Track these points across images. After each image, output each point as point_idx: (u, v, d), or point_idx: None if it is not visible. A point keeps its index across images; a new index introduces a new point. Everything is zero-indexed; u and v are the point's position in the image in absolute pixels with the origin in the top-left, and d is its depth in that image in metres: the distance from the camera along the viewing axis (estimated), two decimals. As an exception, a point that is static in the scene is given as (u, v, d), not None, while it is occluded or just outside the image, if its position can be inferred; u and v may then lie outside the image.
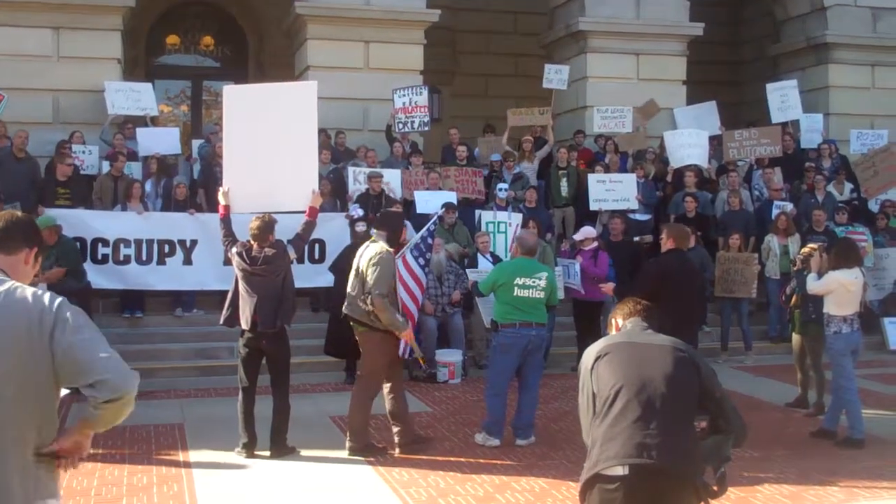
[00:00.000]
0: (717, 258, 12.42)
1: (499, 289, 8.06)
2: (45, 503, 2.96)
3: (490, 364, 8.42)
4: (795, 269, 9.67)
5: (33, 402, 2.91)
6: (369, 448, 7.67)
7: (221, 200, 7.97)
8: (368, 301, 7.48)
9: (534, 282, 7.98)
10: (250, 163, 7.94)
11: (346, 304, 7.77)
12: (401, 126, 14.02)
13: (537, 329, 8.03)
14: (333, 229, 11.80)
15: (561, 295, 11.46)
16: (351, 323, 7.80)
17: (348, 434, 7.73)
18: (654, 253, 10.74)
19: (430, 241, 8.70)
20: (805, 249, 9.56)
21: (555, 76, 15.60)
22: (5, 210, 3.45)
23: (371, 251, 7.63)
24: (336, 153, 13.90)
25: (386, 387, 7.82)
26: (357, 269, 7.67)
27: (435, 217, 9.47)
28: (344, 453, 7.66)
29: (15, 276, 3.04)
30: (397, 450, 7.70)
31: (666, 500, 3.62)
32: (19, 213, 3.25)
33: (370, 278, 7.48)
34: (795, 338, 9.69)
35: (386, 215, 8.63)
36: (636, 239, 12.91)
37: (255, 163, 7.92)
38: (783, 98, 15.97)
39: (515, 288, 7.95)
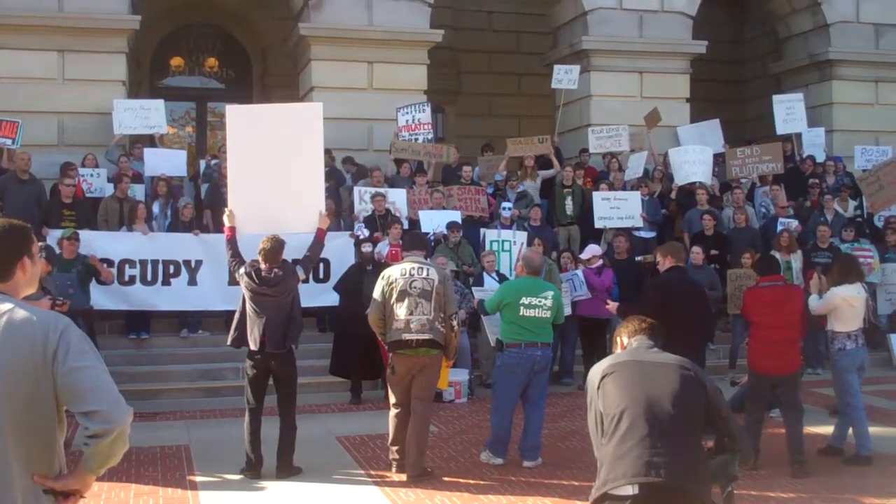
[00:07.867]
0: (727, 275, 12.36)
1: (504, 308, 7.99)
2: None
3: (495, 384, 8.22)
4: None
5: (38, 422, 2.90)
6: (427, 474, 7.47)
7: (226, 222, 7.98)
8: (455, 323, 7.52)
9: (540, 301, 7.91)
10: (256, 184, 7.95)
11: (418, 329, 7.33)
12: (405, 144, 14.03)
13: (543, 349, 7.96)
14: (337, 248, 11.75)
15: (568, 311, 11.43)
16: (419, 349, 7.40)
17: (411, 463, 7.42)
18: (657, 271, 10.70)
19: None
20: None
21: (564, 76, 15.49)
22: None
23: (434, 273, 7.47)
24: (335, 173, 13.84)
25: (398, 409, 7.70)
26: (422, 291, 7.34)
27: (431, 234, 9.45)
28: (351, 473, 7.64)
29: (18, 292, 3.01)
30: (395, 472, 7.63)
31: (675, 519, 3.61)
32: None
33: (451, 300, 7.54)
34: None
35: (414, 236, 8.43)
36: (638, 259, 12.85)
37: (261, 184, 7.93)
38: (789, 110, 16.04)
39: (521, 308, 7.89)
